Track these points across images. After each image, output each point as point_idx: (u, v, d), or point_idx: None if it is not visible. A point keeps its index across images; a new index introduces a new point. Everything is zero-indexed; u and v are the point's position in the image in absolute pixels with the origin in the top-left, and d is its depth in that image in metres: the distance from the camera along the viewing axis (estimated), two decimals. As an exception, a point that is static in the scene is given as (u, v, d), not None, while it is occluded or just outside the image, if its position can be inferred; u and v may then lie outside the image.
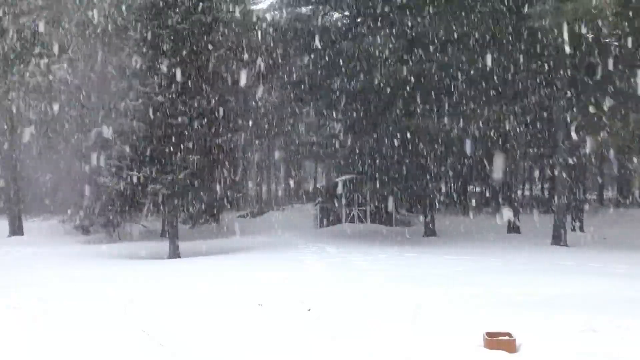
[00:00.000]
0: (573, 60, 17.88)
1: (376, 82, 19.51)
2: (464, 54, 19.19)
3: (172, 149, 16.37)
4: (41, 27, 21.89)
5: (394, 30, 19.86)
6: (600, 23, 15.49)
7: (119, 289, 9.76)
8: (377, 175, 21.28)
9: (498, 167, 20.06)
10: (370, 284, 10.29)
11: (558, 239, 18.72)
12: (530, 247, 17.84)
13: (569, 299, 8.25)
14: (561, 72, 18.36)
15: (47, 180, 25.25)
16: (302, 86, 23.50)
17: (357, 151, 22.06)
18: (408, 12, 19.61)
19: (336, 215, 27.05)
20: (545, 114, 21.51)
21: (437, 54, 19.43)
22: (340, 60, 20.76)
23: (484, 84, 20.05)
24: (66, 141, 23.58)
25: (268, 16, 26.64)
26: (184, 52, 16.62)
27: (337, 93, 22.08)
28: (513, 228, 23.05)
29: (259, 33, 23.21)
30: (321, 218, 27.09)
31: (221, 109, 17.10)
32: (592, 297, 8.38)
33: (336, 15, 25.25)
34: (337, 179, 27.36)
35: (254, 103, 26.12)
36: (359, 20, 22.60)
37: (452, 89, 19.91)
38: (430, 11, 19.24)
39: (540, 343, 5.73)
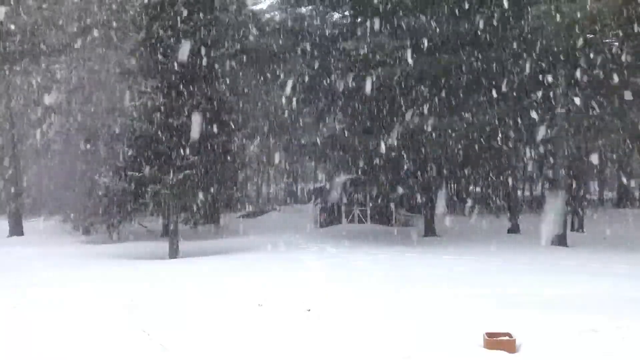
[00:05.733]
0: (572, 60, 17.88)
1: (376, 82, 19.51)
2: (464, 54, 19.19)
3: (172, 148, 16.37)
4: (42, 27, 21.90)
5: (393, 30, 19.86)
6: (599, 23, 15.49)
7: (119, 288, 9.75)
8: (377, 175, 21.29)
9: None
10: (370, 284, 10.29)
11: (558, 239, 18.71)
12: (531, 247, 17.84)
13: (569, 299, 8.25)
14: (561, 73, 18.36)
15: (48, 180, 25.27)
16: (302, 86, 23.49)
17: (357, 151, 22.05)
18: (408, 12, 19.61)
19: (336, 215, 27.06)
20: (545, 114, 21.50)
21: (437, 54, 19.42)
22: (340, 60, 20.74)
23: (483, 84, 20.05)
24: (66, 141, 23.60)
25: (268, 16, 26.66)
26: (185, 52, 16.60)
27: (337, 93, 22.07)
28: (513, 228, 23.06)
29: (259, 33, 23.20)
30: (321, 218, 27.11)
31: (221, 109, 17.09)
32: (592, 297, 8.38)
33: (336, 15, 25.25)
34: (337, 179, 27.39)
35: (254, 103, 26.13)
36: (359, 20, 22.59)
37: (452, 89, 19.90)
38: (430, 11, 19.25)
39: (540, 343, 5.73)
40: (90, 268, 13.84)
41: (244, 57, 22.39)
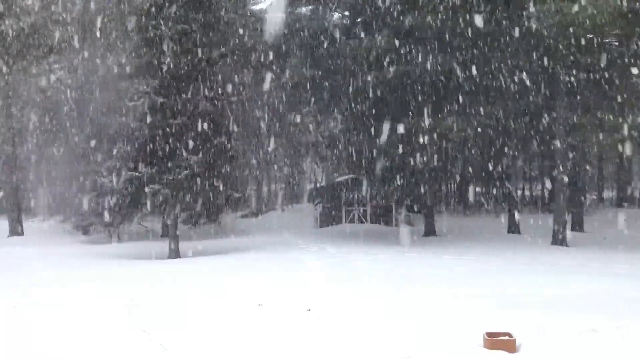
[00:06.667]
0: (573, 60, 17.88)
1: (375, 81, 19.50)
2: (464, 53, 19.18)
3: (172, 149, 16.37)
4: (42, 27, 21.90)
5: (393, 30, 19.85)
6: (600, 24, 15.49)
7: (119, 288, 9.75)
8: (376, 175, 21.29)
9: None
10: (370, 284, 10.29)
11: (558, 239, 18.72)
12: (531, 247, 17.85)
13: (569, 299, 8.25)
14: (561, 72, 18.36)
15: (47, 180, 25.27)
16: (302, 86, 23.49)
17: (357, 151, 22.05)
18: (407, 11, 19.59)
19: (336, 215, 27.08)
20: (545, 114, 21.51)
21: (437, 53, 19.41)
22: (340, 60, 20.73)
23: (483, 83, 20.04)
24: (66, 141, 23.61)
25: (268, 16, 26.66)
26: (184, 52, 16.60)
27: (337, 93, 22.06)
28: (513, 228, 23.06)
29: (259, 33, 23.21)
30: (321, 218, 27.12)
31: (221, 109, 17.10)
32: (592, 297, 8.38)
33: (336, 15, 25.25)
34: (337, 179, 27.40)
35: (253, 103, 26.13)
36: (358, 20, 22.59)
37: (452, 88, 19.89)
38: (430, 10, 19.23)
39: (540, 343, 5.73)
40: (90, 268, 13.85)
41: (244, 57, 22.39)
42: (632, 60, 16.84)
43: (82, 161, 22.07)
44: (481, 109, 19.47)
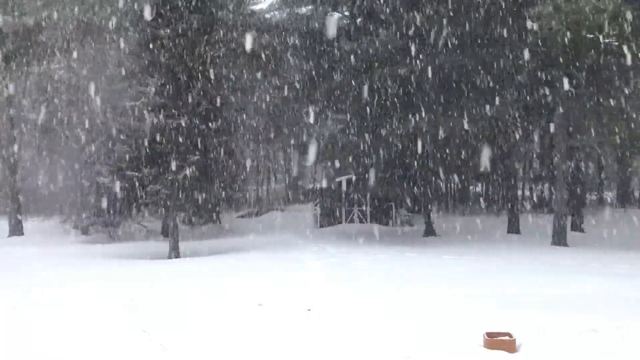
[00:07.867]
0: (573, 59, 17.88)
1: (376, 81, 19.50)
2: (464, 53, 19.17)
3: (172, 148, 16.37)
4: (41, 27, 21.90)
5: (393, 29, 19.85)
6: (599, 24, 15.48)
7: (119, 288, 9.75)
8: (377, 175, 21.29)
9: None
10: (370, 284, 10.29)
11: (558, 239, 18.72)
12: (531, 247, 17.85)
13: (569, 299, 8.25)
14: (561, 72, 18.35)
15: (47, 180, 25.27)
16: (302, 86, 23.49)
17: (357, 151, 22.03)
18: (407, 11, 19.59)
19: (336, 215, 27.07)
20: (545, 113, 21.51)
21: (437, 53, 19.41)
22: (340, 60, 20.73)
23: (483, 83, 20.05)
24: (66, 141, 23.60)
25: (268, 16, 26.66)
26: (184, 52, 16.60)
27: (337, 93, 22.06)
28: (513, 228, 23.05)
29: (259, 33, 23.20)
30: (321, 218, 27.12)
31: (221, 109, 17.10)
32: (592, 297, 8.38)
33: (336, 15, 25.24)
34: (337, 179, 27.37)
35: (253, 103, 26.12)
36: (359, 20, 22.60)
37: (452, 88, 19.89)
38: (430, 10, 19.23)
39: (540, 343, 5.73)
40: (90, 268, 13.84)
41: (244, 57, 22.37)
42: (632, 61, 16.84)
43: (82, 161, 22.09)
44: (481, 109, 19.48)
